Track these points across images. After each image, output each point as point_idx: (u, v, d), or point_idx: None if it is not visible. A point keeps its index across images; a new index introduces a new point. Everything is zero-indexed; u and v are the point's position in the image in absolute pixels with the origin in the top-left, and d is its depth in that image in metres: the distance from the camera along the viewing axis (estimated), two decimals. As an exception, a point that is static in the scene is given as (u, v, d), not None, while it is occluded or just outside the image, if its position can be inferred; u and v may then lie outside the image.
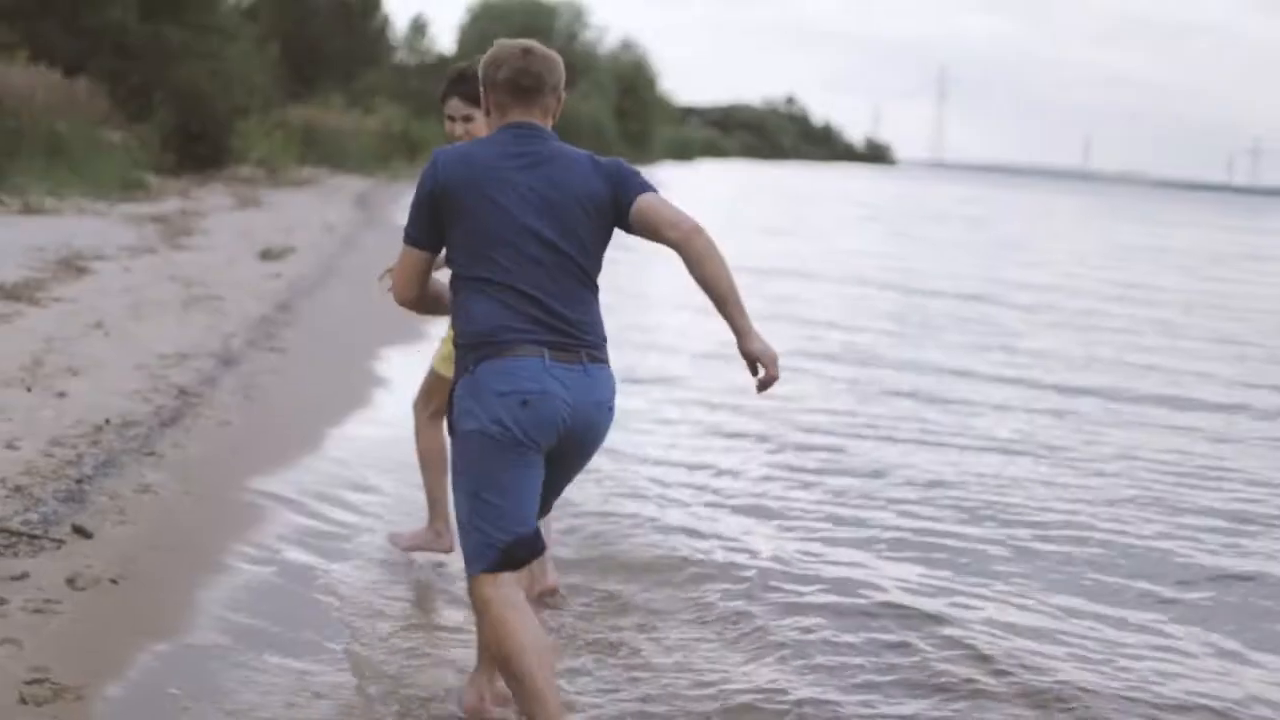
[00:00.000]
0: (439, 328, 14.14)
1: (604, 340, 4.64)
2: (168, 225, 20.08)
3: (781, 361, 4.60)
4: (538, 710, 4.40)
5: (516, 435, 4.42)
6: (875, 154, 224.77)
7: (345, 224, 24.47)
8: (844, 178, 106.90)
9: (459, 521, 4.59)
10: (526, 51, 4.66)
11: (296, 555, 6.59)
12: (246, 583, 6.08)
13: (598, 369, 4.55)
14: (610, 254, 4.68)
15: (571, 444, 4.56)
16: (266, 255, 17.41)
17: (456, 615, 5.99)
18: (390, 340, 12.63)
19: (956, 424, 11.06)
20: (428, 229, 4.62)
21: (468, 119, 5.87)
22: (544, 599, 6.11)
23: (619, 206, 4.60)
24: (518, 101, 4.66)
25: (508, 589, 4.48)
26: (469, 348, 4.51)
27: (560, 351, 4.46)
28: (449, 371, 5.73)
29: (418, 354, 12.17)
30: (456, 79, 5.90)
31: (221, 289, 14.05)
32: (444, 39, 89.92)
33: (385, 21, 59.14)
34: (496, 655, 4.49)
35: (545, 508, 4.76)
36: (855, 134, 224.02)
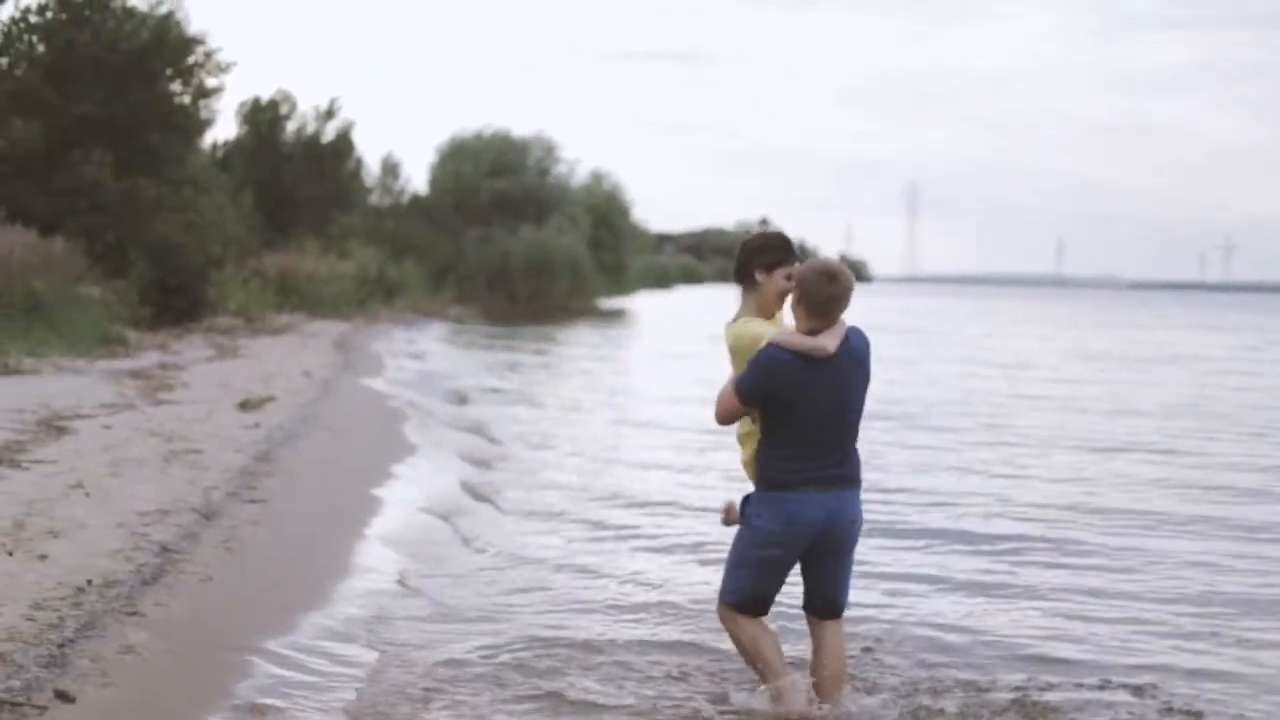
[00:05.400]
0: (407, 468, 14.27)
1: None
2: (147, 380, 20.20)
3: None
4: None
5: None
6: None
7: (323, 369, 24.59)
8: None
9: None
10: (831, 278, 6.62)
11: (272, 703, 6.66)
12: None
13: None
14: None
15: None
16: (245, 406, 17.51)
17: None
18: (371, 482, 12.74)
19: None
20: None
21: None
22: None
23: None
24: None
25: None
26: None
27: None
28: None
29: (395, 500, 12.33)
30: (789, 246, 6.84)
31: (201, 442, 14.12)
32: (418, 178, 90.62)
33: (359, 164, 59.53)
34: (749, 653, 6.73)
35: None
36: (829, 252, 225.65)
